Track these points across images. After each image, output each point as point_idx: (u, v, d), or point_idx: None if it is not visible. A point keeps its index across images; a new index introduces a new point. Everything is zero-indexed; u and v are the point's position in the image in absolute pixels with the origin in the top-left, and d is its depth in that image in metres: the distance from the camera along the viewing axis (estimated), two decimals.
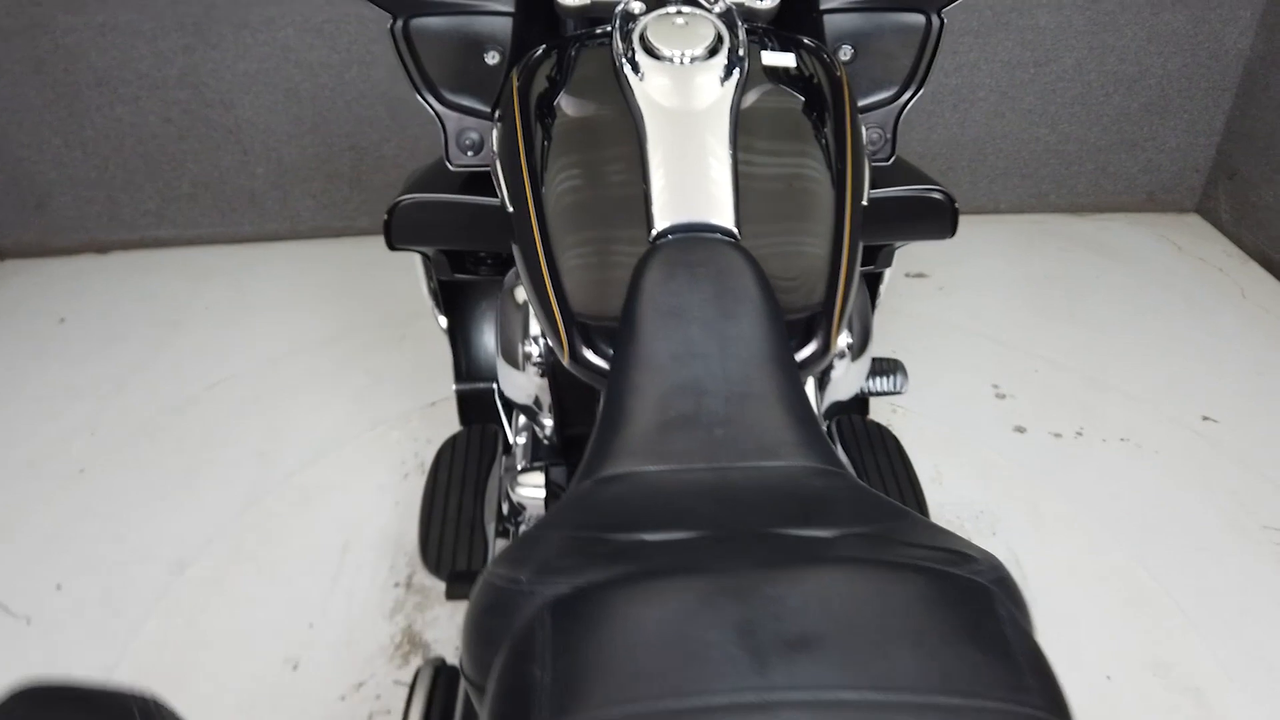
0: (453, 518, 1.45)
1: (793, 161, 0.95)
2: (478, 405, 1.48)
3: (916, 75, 1.20)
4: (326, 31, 2.44)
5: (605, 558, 0.58)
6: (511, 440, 1.34)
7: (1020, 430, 2.04)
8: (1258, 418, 2.08)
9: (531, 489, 1.13)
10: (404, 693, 1.41)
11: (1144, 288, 2.56)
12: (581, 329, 0.85)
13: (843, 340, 1.06)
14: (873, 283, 1.41)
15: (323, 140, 2.61)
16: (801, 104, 1.00)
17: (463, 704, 0.95)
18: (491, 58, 1.16)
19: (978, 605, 0.53)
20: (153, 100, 2.51)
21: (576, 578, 0.56)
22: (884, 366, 1.42)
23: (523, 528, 1.20)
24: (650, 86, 0.95)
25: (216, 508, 1.82)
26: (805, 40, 1.09)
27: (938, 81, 2.62)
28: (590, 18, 1.17)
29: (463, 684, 0.85)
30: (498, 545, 1.38)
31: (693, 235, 0.87)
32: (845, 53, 1.19)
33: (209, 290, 2.55)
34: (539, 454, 1.23)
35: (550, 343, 0.89)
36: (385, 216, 1.19)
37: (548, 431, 1.17)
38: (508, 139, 1.00)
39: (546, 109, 1.00)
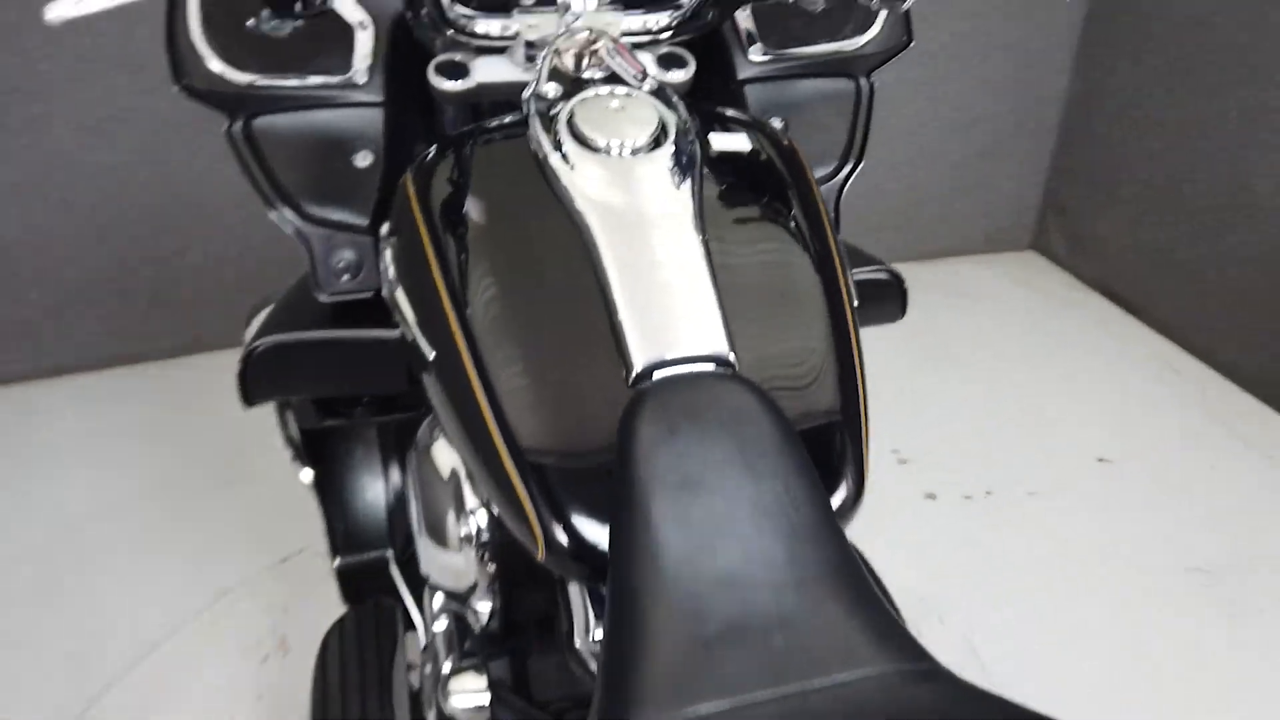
0: None
1: (774, 266, 0.79)
2: (366, 574, 1.21)
3: (854, 146, 1.07)
4: (106, 130, 2.09)
5: None
6: (422, 623, 1.08)
7: (931, 497, 1.95)
8: (1146, 453, 2.08)
9: (471, 696, 0.89)
10: None
11: (1004, 330, 2.57)
12: (557, 511, 0.65)
13: None
14: None
15: (110, 255, 2.24)
16: (767, 195, 0.83)
17: None
18: (363, 159, 0.93)
19: None
20: None
21: None
22: None
23: None
24: (590, 185, 0.76)
25: None
26: (746, 117, 0.93)
27: None
28: (477, 104, 0.97)
29: None
30: None
31: (683, 372, 0.68)
32: (775, 124, 1.04)
33: None
34: (468, 642, 0.99)
35: (511, 528, 0.68)
36: (239, 367, 0.93)
37: (483, 618, 0.93)
38: (410, 259, 0.79)
39: (458, 219, 0.79)
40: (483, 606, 0.92)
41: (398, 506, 1.18)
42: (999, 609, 1.67)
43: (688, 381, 0.67)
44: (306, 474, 1.19)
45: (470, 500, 0.83)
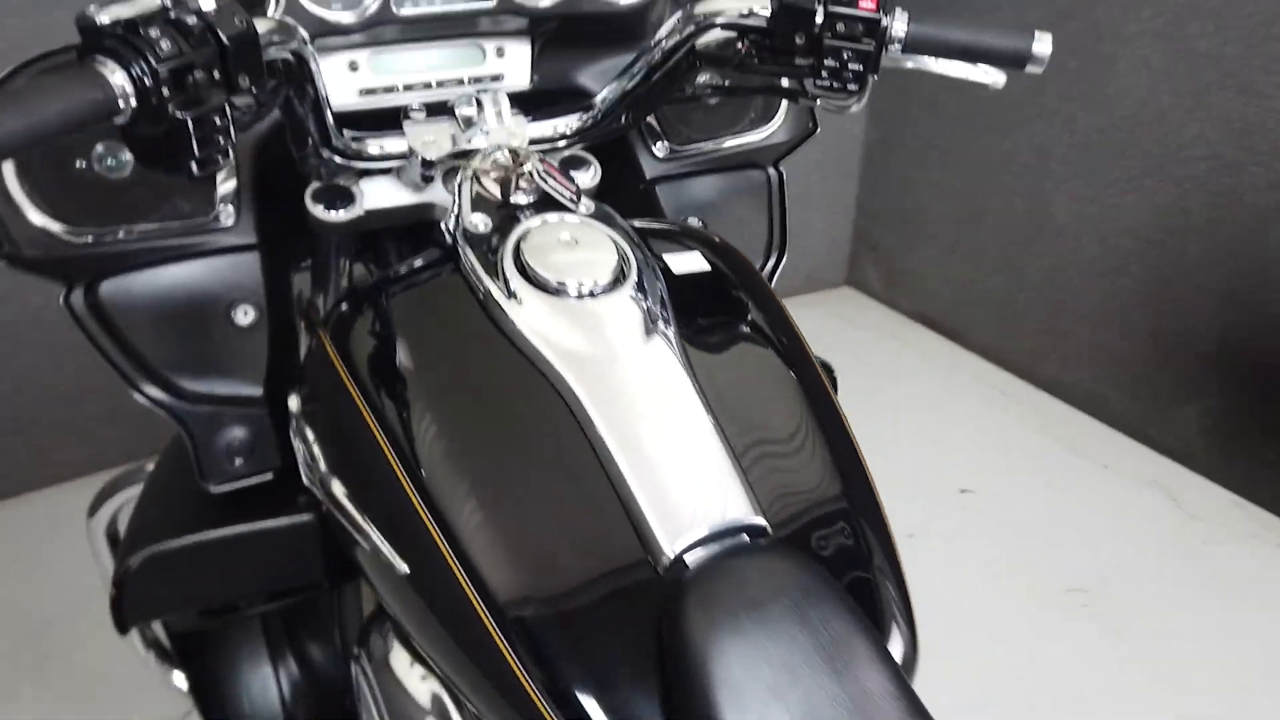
0: None
1: (771, 402, 0.73)
2: None
3: (774, 238, 1.02)
4: None
5: None
6: None
7: None
8: (1002, 478, 2.16)
9: None
10: None
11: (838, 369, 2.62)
12: None
13: None
14: None
15: None
16: (736, 317, 0.76)
17: None
18: (244, 316, 0.78)
19: None
20: None
21: None
22: None
23: None
24: (556, 334, 0.66)
25: None
26: (676, 225, 0.86)
27: None
28: (366, 233, 0.84)
29: None
30: None
31: (717, 550, 0.60)
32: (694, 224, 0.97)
33: None
34: None
35: None
36: (112, 591, 0.75)
37: None
38: (343, 434, 0.67)
39: (400, 382, 0.67)
40: None
41: (296, 703, 1.00)
42: None
43: (729, 562, 0.59)
44: (179, 678, 0.99)
45: None
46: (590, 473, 0.61)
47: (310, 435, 0.69)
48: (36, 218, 0.69)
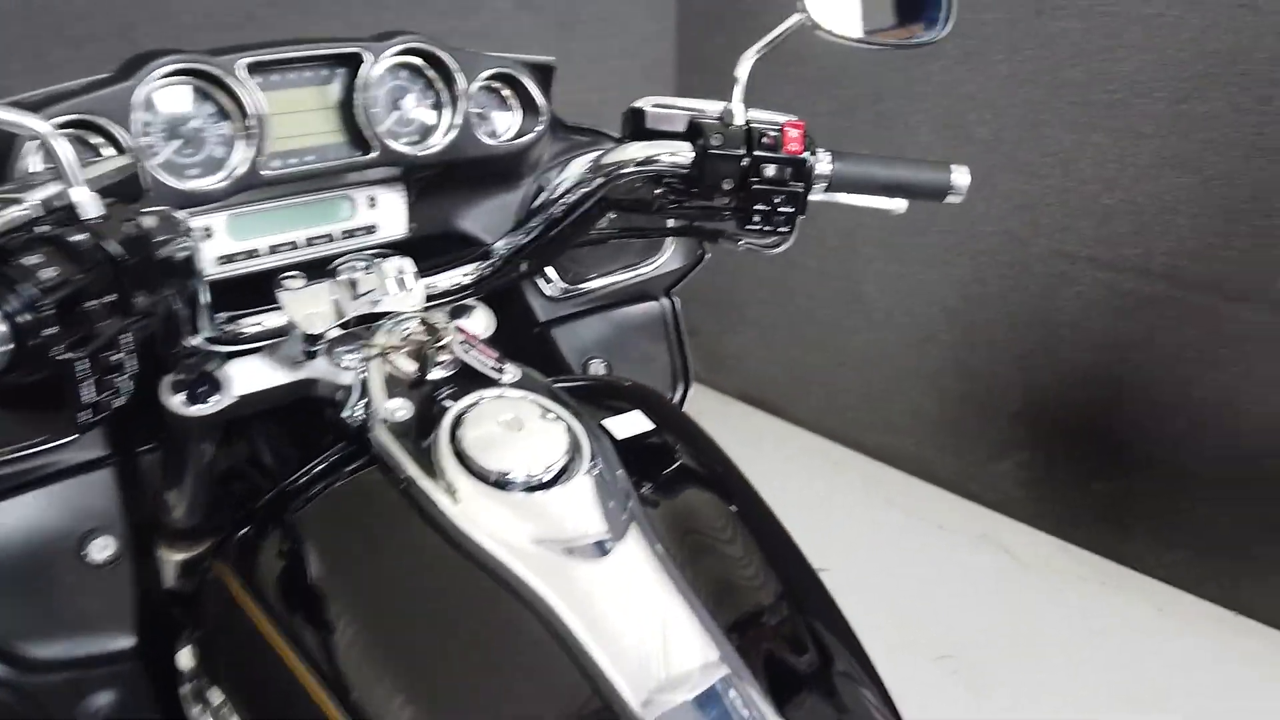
0: None
1: (734, 562, 0.67)
2: None
3: (677, 368, 0.99)
4: None
5: None
6: None
7: None
8: (850, 551, 2.20)
9: None
10: None
11: None
12: None
13: None
14: None
15: None
16: (682, 471, 0.72)
17: None
18: (101, 549, 0.65)
19: None
20: None
21: None
22: None
23: None
24: (512, 533, 0.59)
25: None
26: (597, 379, 0.80)
27: None
28: (233, 421, 0.73)
29: None
30: None
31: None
32: (598, 367, 0.92)
33: None
34: None
35: None
36: None
37: None
38: (267, 693, 0.55)
39: (326, 613, 0.57)
40: None
41: None
42: None
43: None
44: None
45: None
46: (578, 686, 0.53)
47: (215, 698, 0.56)
48: None
